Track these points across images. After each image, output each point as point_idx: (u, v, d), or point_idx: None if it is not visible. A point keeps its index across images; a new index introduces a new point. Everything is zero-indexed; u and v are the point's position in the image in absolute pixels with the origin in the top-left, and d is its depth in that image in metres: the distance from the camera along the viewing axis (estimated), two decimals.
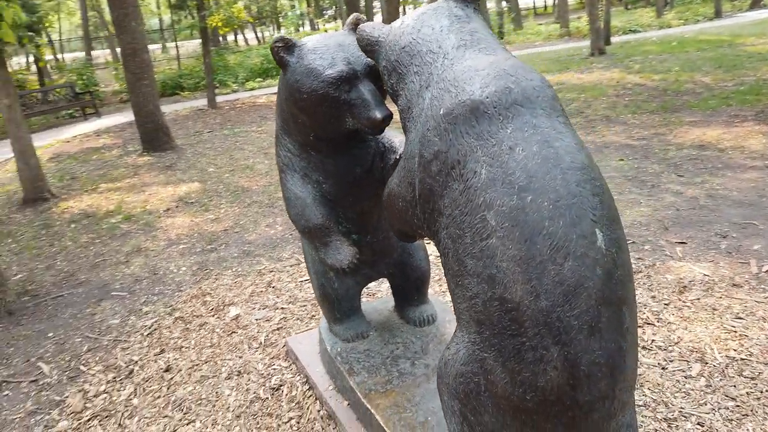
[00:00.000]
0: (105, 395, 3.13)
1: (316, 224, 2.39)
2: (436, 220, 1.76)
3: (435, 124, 1.70)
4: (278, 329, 3.54)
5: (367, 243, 2.60)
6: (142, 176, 8.03)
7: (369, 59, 2.15)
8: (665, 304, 3.36)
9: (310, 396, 2.84)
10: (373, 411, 2.30)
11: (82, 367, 3.44)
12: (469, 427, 1.76)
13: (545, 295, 1.48)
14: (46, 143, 11.44)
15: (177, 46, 22.38)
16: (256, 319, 3.68)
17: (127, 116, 12.46)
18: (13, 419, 3.04)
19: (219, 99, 14.20)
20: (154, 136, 9.34)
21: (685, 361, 2.84)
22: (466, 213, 1.62)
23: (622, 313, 1.53)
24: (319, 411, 2.72)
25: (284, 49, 2.18)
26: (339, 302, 2.74)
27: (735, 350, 2.85)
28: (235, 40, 40.29)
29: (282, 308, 3.79)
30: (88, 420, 2.94)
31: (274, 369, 3.14)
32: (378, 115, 2.09)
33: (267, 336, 3.47)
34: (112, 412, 2.98)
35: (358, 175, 2.40)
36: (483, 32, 1.86)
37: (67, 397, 3.17)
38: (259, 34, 36.22)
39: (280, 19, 27.55)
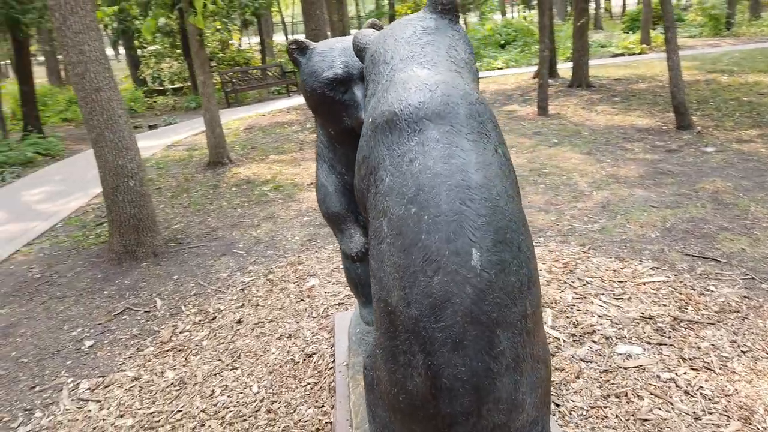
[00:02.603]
0: (187, 333, 3.73)
1: (334, 212, 2.60)
2: (368, 220, 1.87)
3: (365, 131, 1.81)
4: (339, 304, 3.83)
5: None
6: (305, 152, 8.88)
7: None
8: (742, 351, 2.92)
9: (331, 368, 3.09)
10: (350, 391, 2.47)
11: (183, 308, 4.10)
12: (372, 417, 1.87)
13: (415, 304, 1.52)
14: (247, 115, 13.13)
15: None
16: (326, 292, 4.01)
17: None
18: (120, 338, 3.79)
19: None
20: None
21: (726, 416, 2.49)
22: (373, 217, 1.72)
23: (495, 336, 1.50)
24: (330, 383, 2.96)
25: (298, 50, 2.40)
26: (363, 286, 2.91)
27: None
28: None
29: None
30: (167, 351, 3.55)
31: (317, 338, 3.44)
32: (364, 116, 2.22)
33: (326, 308, 3.78)
34: (185, 348, 3.55)
35: None
36: (438, 45, 1.87)
37: (162, 329, 3.83)
38: (469, 20, 36.62)
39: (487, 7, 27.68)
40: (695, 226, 4.62)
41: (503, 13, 35.29)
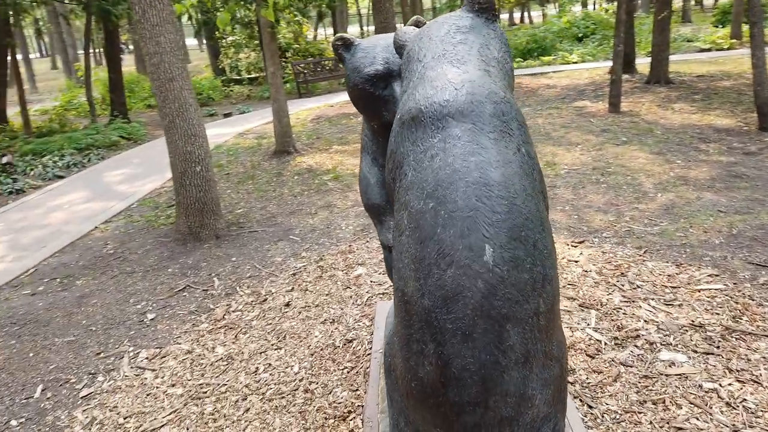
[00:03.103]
0: (239, 313, 3.93)
1: (374, 203, 2.69)
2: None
3: (394, 126, 1.87)
4: (383, 293, 3.91)
5: None
6: None
7: None
8: None
9: (368, 354, 3.18)
10: (381, 377, 2.55)
11: (238, 288, 4.32)
12: (390, 402, 1.94)
13: (428, 295, 1.58)
14: (316, 106, 13.43)
15: None
16: (371, 281, 4.11)
17: None
18: (178, 313, 4.04)
19: None
20: None
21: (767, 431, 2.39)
22: (396, 209, 1.78)
23: (505, 330, 1.53)
24: (366, 368, 3.05)
25: (342, 46, 2.48)
26: None
27: None
28: (521, 18, 40.34)
29: None
30: (220, 328, 3.76)
31: (359, 325, 3.54)
32: None
33: (370, 297, 3.88)
34: (236, 326, 3.75)
35: None
36: (471, 44, 1.90)
37: (217, 307, 4.06)
38: (547, 12, 35.75)
39: None
40: (765, 234, 4.37)
41: (584, 5, 34.20)
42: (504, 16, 38.15)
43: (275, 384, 3.08)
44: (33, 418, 3.06)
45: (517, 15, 41.49)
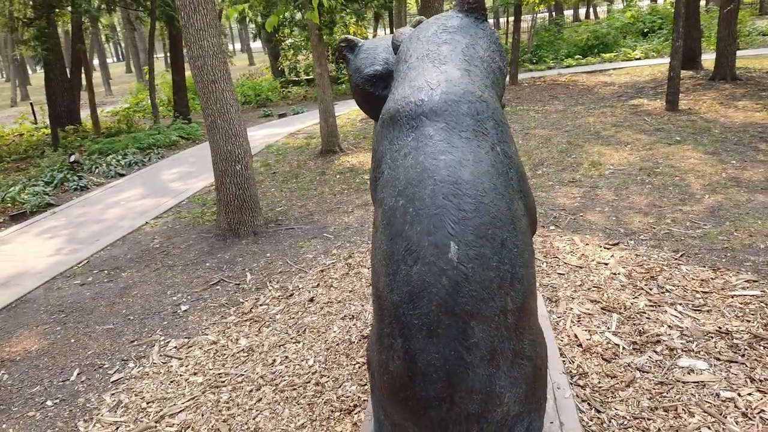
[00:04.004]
0: (265, 306, 4.06)
1: None
2: None
3: (377, 125, 1.91)
4: None
5: None
6: None
7: None
8: None
9: None
10: None
11: (268, 283, 4.45)
12: (372, 395, 1.98)
13: (396, 291, 1.61)
14: None
15: (507, 22, 23.07)
16: None
17: None
18: (210, 306, 4.21)
19: (525, 76, 14.47)
20: None
21: None
22: (375, 207, 1.82)
23: (469, 327, 1.54)
24: None
25: (347, 48, 2.53)
26: None
27: None
28: (586, 14, 39.12)
29: None
30: (246, 320, 3.90)
31: None
32: None
33: None
34: (261, 319, 3.87)
35: None
36: (455, 43, 1.91)
37: (246, 301, 4.20)
38: (617, 5, 34.53)
39: None
40: None
41: None
42: (568, 12, 37.13)
43: (289, 376, 3.17)
44: (66, 399, 3.28)
45: (582, 11, 40.29)
